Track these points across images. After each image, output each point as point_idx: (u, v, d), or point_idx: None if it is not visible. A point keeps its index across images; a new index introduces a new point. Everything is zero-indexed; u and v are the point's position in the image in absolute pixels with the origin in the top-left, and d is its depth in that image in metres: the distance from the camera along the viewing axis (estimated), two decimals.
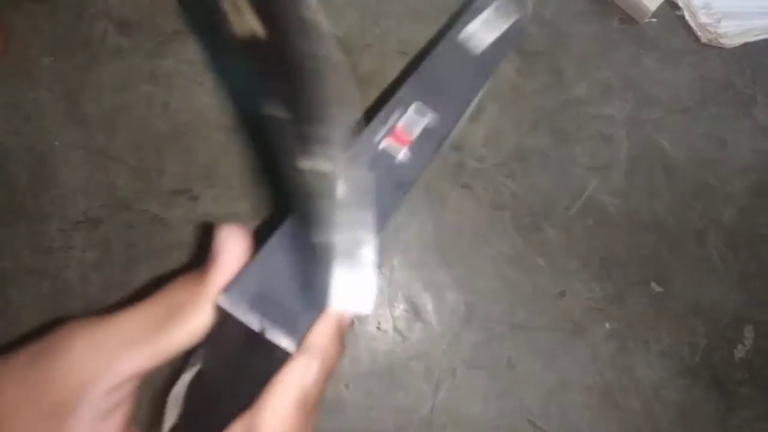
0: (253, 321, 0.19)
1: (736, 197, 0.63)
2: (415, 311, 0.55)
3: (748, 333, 0.59)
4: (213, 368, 0.21)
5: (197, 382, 0.21)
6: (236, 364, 0.20)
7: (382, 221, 0.24)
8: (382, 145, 0.24)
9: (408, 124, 0.25)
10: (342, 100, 0.19)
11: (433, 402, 0.53)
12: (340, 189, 0.20)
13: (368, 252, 0.20)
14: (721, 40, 0.66)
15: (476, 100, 0.32)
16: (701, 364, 0.58)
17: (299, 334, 0.20)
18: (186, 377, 0.21)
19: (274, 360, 0.20)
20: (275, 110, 0.19)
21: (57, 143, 0.56)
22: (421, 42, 0.62)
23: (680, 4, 0.67)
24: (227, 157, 0.57)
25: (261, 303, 0.20)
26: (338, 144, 0.19)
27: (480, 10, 0.31)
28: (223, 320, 0.20)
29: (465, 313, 0.56)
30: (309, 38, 0.19)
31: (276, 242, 0.22)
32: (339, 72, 0.19)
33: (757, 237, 0.62)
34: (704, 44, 0.67)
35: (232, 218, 0.55)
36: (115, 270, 0.53)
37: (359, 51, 0.61)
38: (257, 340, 0.19)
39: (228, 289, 0.19)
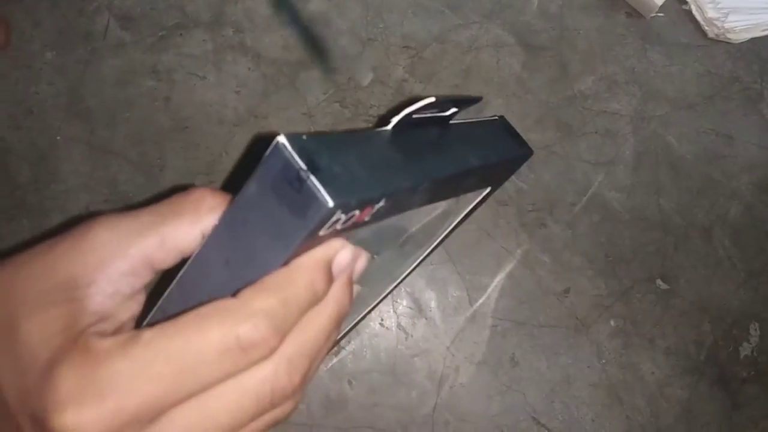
0: (299, 162, 0.17)
1: (743, 193, 0.62)
2: (419, 308, 0.55)
3: (754, 331, 0.59)
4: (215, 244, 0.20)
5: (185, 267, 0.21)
6: (250, 227, 0.19)
7: None
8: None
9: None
10: None
11: (436, 399, 0.53)
12: None
13: None
14: (729, 35, 0.65)
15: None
16: (707, 361, 0.57)
17: (346, 197, 0.17)
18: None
19: (296, 223, 0.17)
20: None
21: (59, 138, 0.56)
22: (424, 37, 0.62)
23: None
24: (229, 151, 0.56)
25: (319, 155, 0.18)
26: None
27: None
28: (253, 182, 0.18)
29: (468, 309, 0.55)
30: None
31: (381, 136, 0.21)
32: None
33: (764, 234, 0.61)
34: (711, 39, 0.66)
35: None
36: None
37: (363, 45, 0.61)
38: (288, 195, 0.17)
39: (292, 134, 0.18)
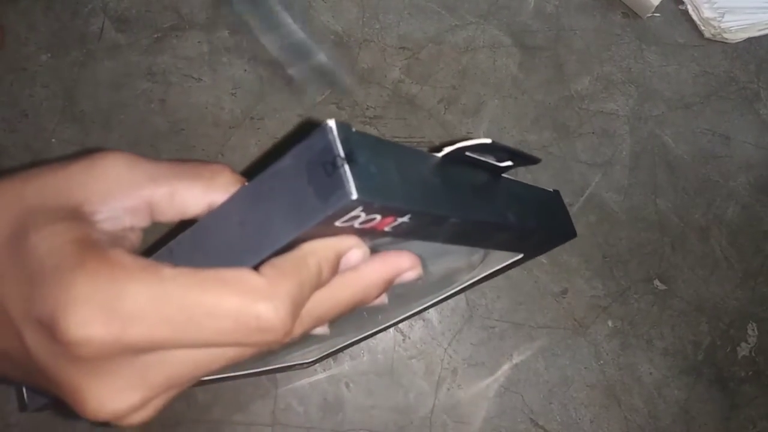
0: (340, 149, 0.17)
1: (740, 194, 0.62)
2: None
3: (752, 331, 0.59)
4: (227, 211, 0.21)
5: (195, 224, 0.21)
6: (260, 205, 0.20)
7: None
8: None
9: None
10: None
11: (434, 401, 0.53)
12: None
13: None
14: (725, 35, 0.65)
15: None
16: (704, 361, 0.57)
17: (372, 197, 0.18)
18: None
19: (315, 208, 0.18)
20: None
21: (53, 141, 0.55)
22: (420, 38, 0.61)
23: None
24: (225, 153, 0.56)
25: (361, 150, 0.18)
26: None
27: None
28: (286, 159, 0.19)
29: (466, 311, 0.55)
30: None
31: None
32: None
33: (761, 234, 0.61)
34: (708, 39, 0.66)
35: None
36: None
37: (359, 46, 0.60)
38: (318, 177, 0.18)
39: (343, 122, 0.18)
